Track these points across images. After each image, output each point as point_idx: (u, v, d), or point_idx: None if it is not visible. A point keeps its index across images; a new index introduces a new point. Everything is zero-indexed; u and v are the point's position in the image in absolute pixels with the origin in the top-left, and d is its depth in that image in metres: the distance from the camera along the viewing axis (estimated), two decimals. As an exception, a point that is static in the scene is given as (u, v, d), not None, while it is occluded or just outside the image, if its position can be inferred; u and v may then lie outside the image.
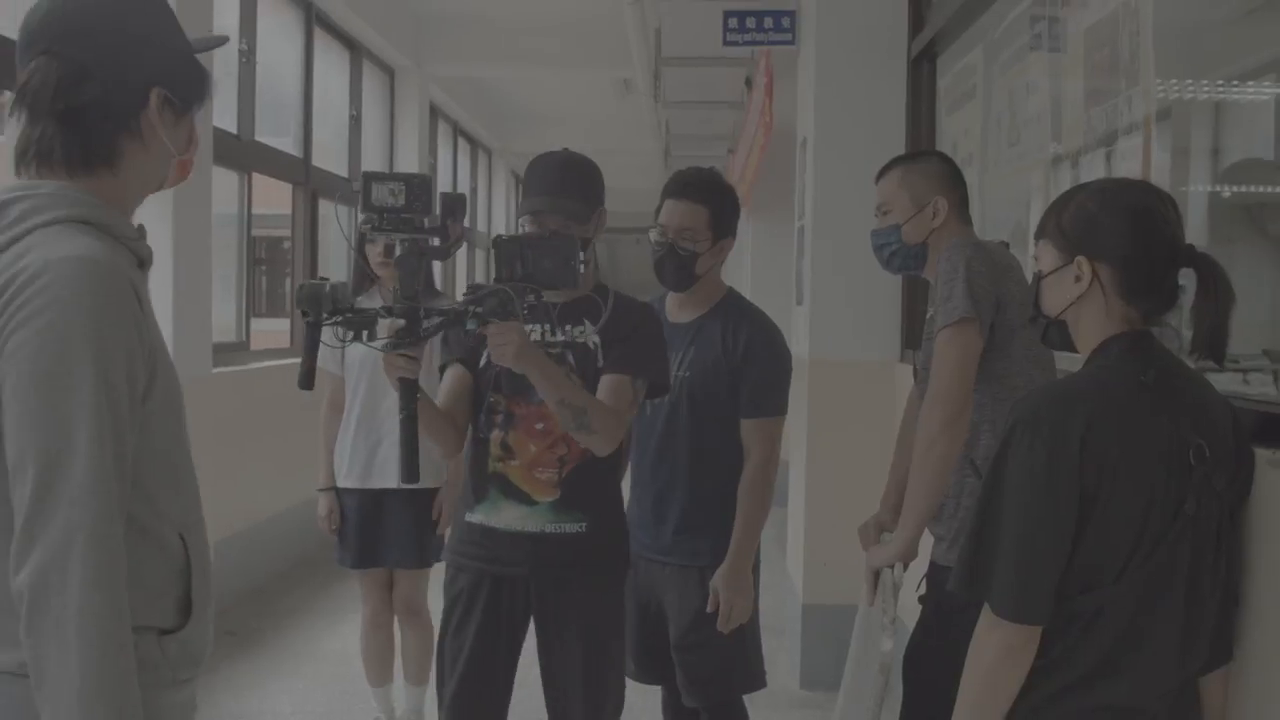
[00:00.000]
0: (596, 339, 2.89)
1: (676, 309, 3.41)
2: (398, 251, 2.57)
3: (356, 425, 4.40)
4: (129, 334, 1.56)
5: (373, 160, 10.17)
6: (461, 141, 13.92)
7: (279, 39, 8.21)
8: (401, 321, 2.58)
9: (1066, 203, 2.15)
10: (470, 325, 2.63)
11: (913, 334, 5.43)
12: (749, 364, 3.29)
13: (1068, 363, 2.66)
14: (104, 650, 1.50)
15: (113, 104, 1.66)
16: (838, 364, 5.46)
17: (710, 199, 3.31)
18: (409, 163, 10.66)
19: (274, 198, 8.39)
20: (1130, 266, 2.04)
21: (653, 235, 3.31)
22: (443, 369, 2.99)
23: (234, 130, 7.22)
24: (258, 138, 7.50)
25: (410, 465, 2.59)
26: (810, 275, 5.54)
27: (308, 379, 2.54)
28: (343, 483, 4.44)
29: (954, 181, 3.03)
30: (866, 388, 5.37)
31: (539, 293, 2.66)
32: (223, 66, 6.82)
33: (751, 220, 11.25)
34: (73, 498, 1.49)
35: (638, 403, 2.92)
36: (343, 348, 2.60)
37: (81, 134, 1.64)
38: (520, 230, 2.84)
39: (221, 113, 6.79)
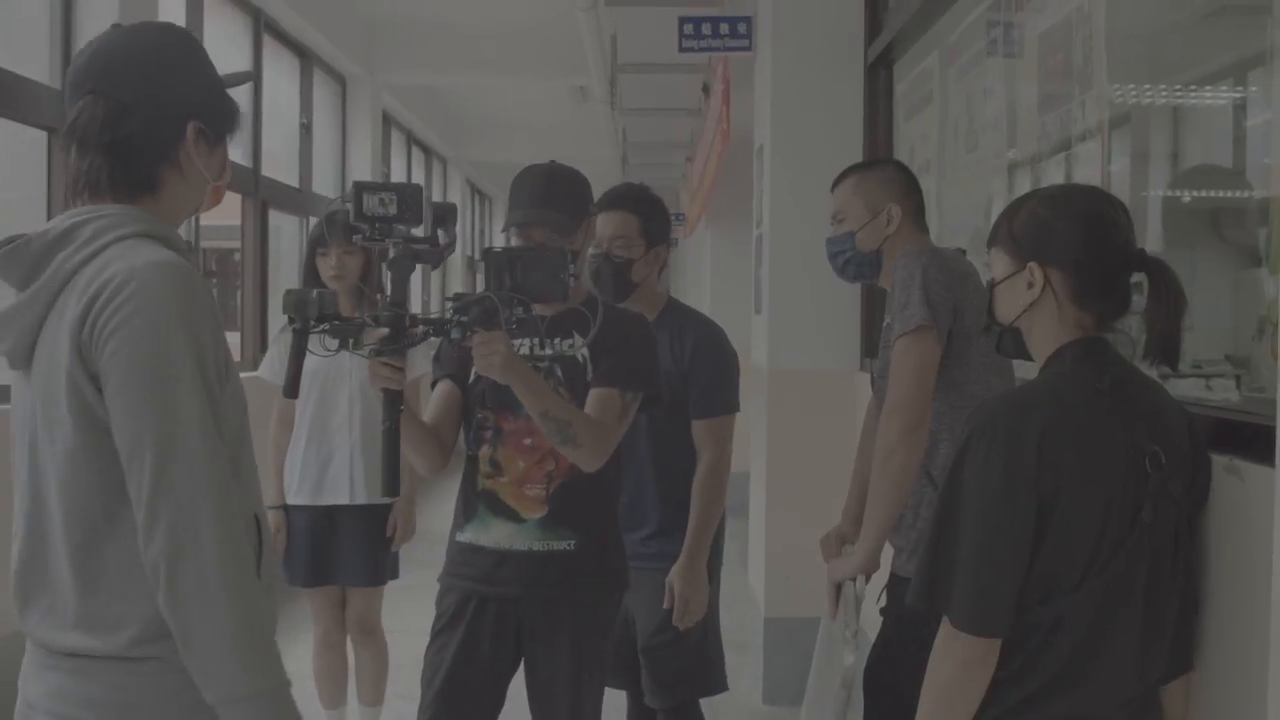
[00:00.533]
0: (585, 352, 2.90)
1: None
2: (390, 254, 2.57)
3: (307, 440, 4.37)
4: (212, 326, 1.77)
5: (323, 170, 10.12)
6: (415, 150, 13.85)
7: (226, 46, 8.15)
8: (386, 330, 2.57)
9: (1018, 210, 2.17)
10: (455, 335, 2.63)
11: (872, 343, 5.42)
12: (696, 366, 3.39)
13: (1027, 370, 2.68)
14: (248, 600, 1.71)
15: (153, 136, 1.85)
16: (797, 373, 5.47)
17: (639, 207, 3.42)
18: (361, 172, 10.61)
19: (222, 208, 8.28)
20: (1082, 271, 2.06)
21: (590, 248, 3.32)
22: (434, 385, 3.00)
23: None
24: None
25: (390, 479, 2.60)
26: (769, 283, 5.56)
27: (293, 386, 2.56)
28: (293, 499, 4.39)
29: (909, 189, 3.05)
30: (826, 397, 5.39)
31: (527, 305, 2.68)
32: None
33: (710, 228, 11.29)
34: (192, 468, 1.69)
35: (629, 416, 2.90)
36: (330, 355, 2.60)
37: (125, 164, 1.84)
38: (506, 243, 2.86)
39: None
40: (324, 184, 10.06)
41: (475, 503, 2.94)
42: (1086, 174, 3.05)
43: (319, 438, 4.36)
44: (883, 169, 3.13)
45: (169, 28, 1.95)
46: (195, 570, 1.68)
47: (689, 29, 6.31)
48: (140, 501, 1.71)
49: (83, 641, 1.77)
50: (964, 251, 3.01)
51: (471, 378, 2.93)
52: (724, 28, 6.23)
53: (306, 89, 9.69)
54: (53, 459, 1.77)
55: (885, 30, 5.16)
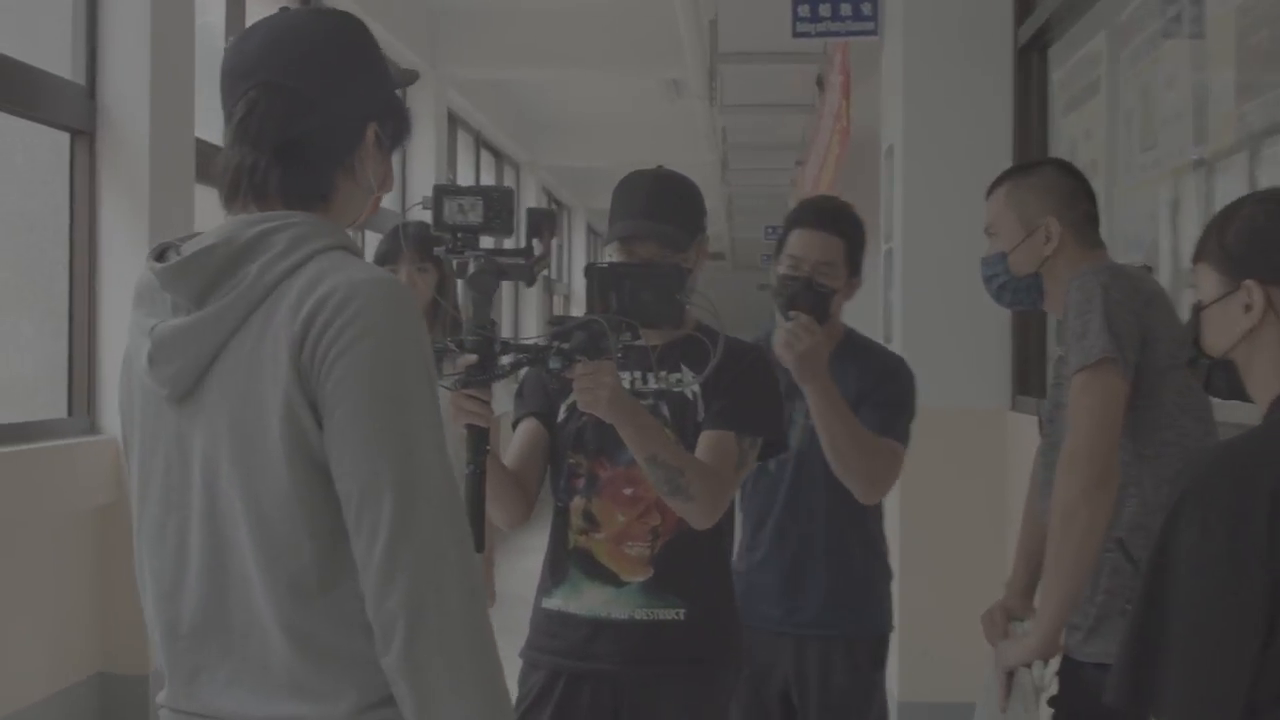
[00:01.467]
0: (696, 388, 2.83)
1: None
2: (470, 269, 2.52)
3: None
4: (431, 352, 1.79)
5: (381, 177, 10.16)
6: (485, 154, 13.92)
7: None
8: (474, 357, 2.52)
9: (1230, 217, 2.07)
10: (554, 364, 2.58)
11: (1027, 376, 5.34)
12: (879, 389, 3.37)
13: (1232, 412, 2.55)
14: (492, 663, 1.71)
15: (333, 138, 1.85)
16: (935, 412, 5.30)
17: (847, 230, 3.37)
18: (423, 179, 10.66)
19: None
20: (1316, 291, 1.95)
21: (781, 268, 3.32)
22: (515, 424, 2.97)
23: (219, 142, 7.15)
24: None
25: (475, 533, 2.52)
26: (901, 307, 5.51)
27: None
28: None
29: (1073, 197, 2.94)
30: (971, 440, 5.31)
31: (636, 330, 2.61)
32: (205, 67, 6.82)
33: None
34: (436, 513, 1.69)
35: (748, 464, 2.85)
36: None
37: (300, 168, 1.82)
38: (608, 260, 2.81)
39: (204, 120, 6.77)
40: (381, 193, 10.09)
41: (565, 563, 2.87)
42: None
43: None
44: (1041, 174, 3.01)
45: (347, 16, 1.95)
46: (438, 629, 1.67)
47: (804, 10, 6.28)
48: (372, 551, 1.69)
49: (296, 710, 1.75)
50: (1150, 269, 2.89)
51: (561, 415, 2.88)
52: (845, 9, 6.18)
53: (362, 85, 9.74)
54: (248, 504, 1.73)
55: (1039, 8, 5.08)
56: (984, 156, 5.34)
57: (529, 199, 15.75)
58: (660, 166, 2.95)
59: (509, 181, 15.14)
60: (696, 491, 2.69)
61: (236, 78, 1.86)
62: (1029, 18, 5.20)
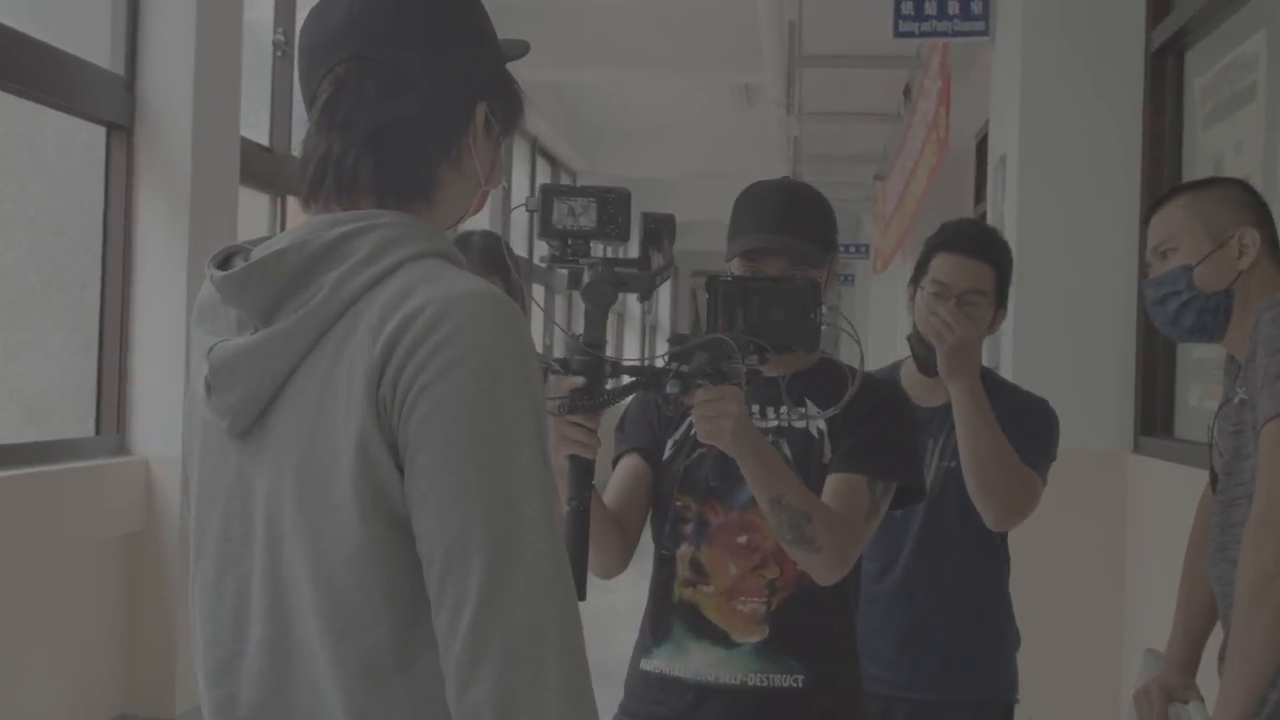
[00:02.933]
0: (823, 425, 2.68)
1: (925, 390, 3.33)
2: (585, 280, 2.36)
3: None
4: (541, 384, 1.58)
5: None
6: (541, 161, 13.82)
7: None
8: (580, 379, 2.36)
9: None
10: (671, 388, 2.42)
11: (1152, 416, 5.13)
12: (1021, 428, 3.24)
13: None
14: None
15: (436, 122, 1.67)
16: (1050, 454, 5.17)
17: (999, 260, 3.31)
18: (477, 186, 10.54)
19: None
20: None
21: (923, 296, 3.26)
22: (615, 461, 2.83)
23: (265, 143, 7.13)
24: (295, 152, 7.34)
25: (578, 579, 2.37)
26: (1010, 337, 5.33)
27: None
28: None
29: (1263, 213, 2.77)
30: (1089, 486, 5.17)
31: (765, 352, 2.48)
32: (252, 63, 6.69)
33: (909, 264, 10.96)
34: (535, 584, 1.48)
35: (880, 513, 2.68)
36: None
37: (399, 157, 1.66)
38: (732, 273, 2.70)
39: (250, 120, 6.64)
40: (433, 200, 9.98)
41: (669, 618, 2.71)
42: None
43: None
44: (1223, 188, 2.85)
45: None
46: None
47: (908, 8, 6.13)
48: (456, 628, 1.47)
49: None
50: None
51: (668, 452, 2.74)
52: (953, 7, 6.04)
53: (412, 85, 9.63)
54: (314, 565, 1.53)
55: (1178, 8, 4.92)
56: (1110, 170, 5.20)
57: (586, 210, 15.63)
58: (786, 177, 2.84)
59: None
60: (824, 542, 2.53)
61: (320, 52, 1.67)
62: (1165, 19, 5.00)
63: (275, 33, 7.18)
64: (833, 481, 2.63)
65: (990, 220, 5.86)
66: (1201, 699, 2.85)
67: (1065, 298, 5.16)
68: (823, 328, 2.55)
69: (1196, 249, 2.73)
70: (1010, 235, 5.31)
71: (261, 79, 7.07)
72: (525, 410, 1.51)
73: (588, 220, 2.31)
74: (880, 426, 2.67)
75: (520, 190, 12.77)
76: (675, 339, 2.47)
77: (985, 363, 5.32)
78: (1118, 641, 5.14)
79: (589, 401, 2.36)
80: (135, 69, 5.53)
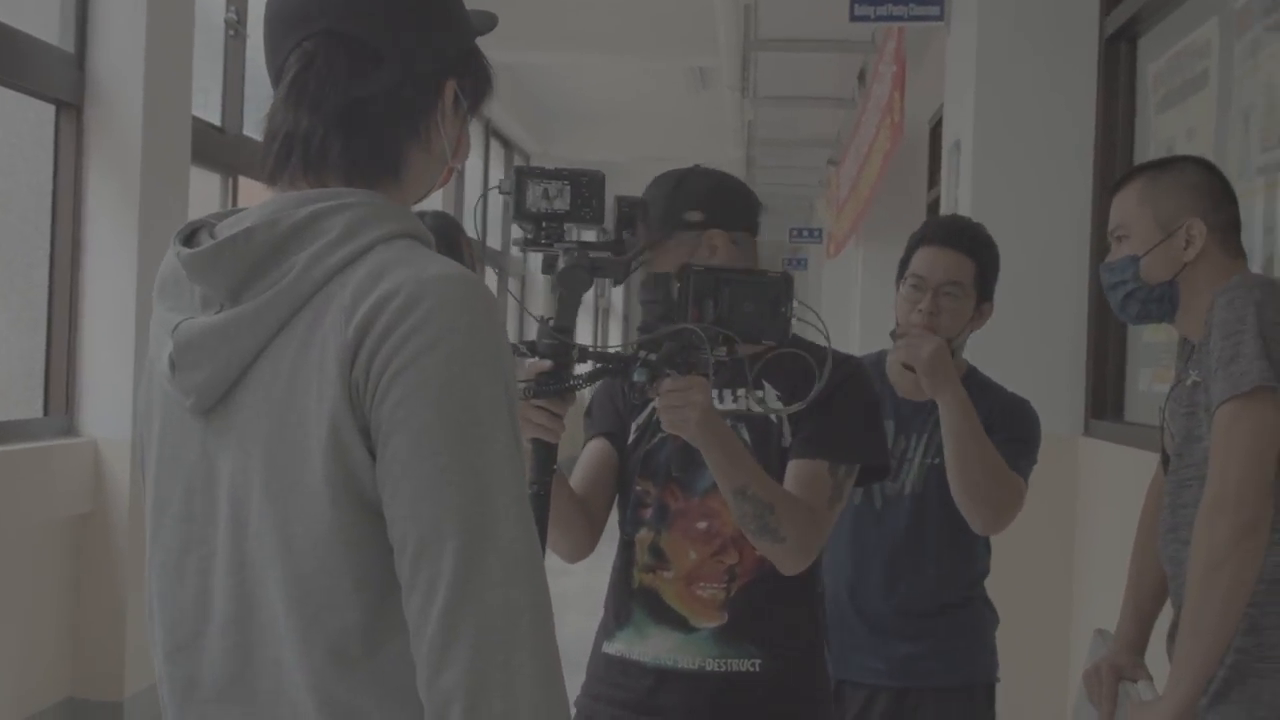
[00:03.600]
0: (780, 407, 2.66)
1: (910, 384, 3.31)
2: (560, 265, 2.35)
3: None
4: (514, 368, 1.58)
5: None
6: (494, 144, 13.77)
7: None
8: (548, 363, 2.36)
9: None
10: (638, 376, 2.42)
11: (1103, 400, 5.16)
12: (1003, 427, 3.28)
13: None
14: None
15: (406, 98, 1.66)
16: (1000, 439, 5.20)
17: (980, 252, 3.34)
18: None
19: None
20: None
21: (903, 289, 3.29)
22: (584, 445, 2.83)
23: (217, 122, 7.07)
24: (246, 132, 7.34)
25: None
26: None
27: None
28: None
29: (1219, 199, 2.78)
30: (1041, 467, 4.98)
31: (734, 344, 2.45)
32: (205, 42, 6.65)
33: (863, 248, 10.99)
34: (509, 570, 1.48)
35: (843, 498, 2.67)
36: None
37: (368, 134, 1.64)
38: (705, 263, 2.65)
39: (201, 99, 6.60)
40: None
41: (630, 603, 2.71)
42: None
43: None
44: (1181, 171, 2.83)
45: None
46: (501, 714, 1.45)
47: (865, -9, 6.09)
48: (428, 613, 1.47)
49: None
50: None
51: (632, 436, 2.73)
52: (910, -10, 5.99)
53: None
54: (282, 547, 1.52)
55: None
56: (1064, 155, 5.23)
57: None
58: (698, 165, 2.80)
59: (518, 173, 14.98)
60: (787, 532, 2.52)
61: (288, 26, 1.65)
62: (1119, 5, 5.02)
63: (228, 11, 7.12)
64: (794, 468, 2.63)
65: (944, 206, 5.88)
66: (1150, 678, 2.89)
67: (1017, 282, 5.09)
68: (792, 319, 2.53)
69: (1146, 238, 2.75)
70: (965, 220, 5.36)
71: (214, 58, 7.01)
72: (499, 396, 1.51)
73: (561, 203, 2.29)
74: (840, 408, 2.66)
75: (473, 173, 12.71)
76: (644, 327, 2.47)
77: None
78: (1067, 622, 5.18)
79: (555, 386, 2.35)
80: (85, 46, 5.47)
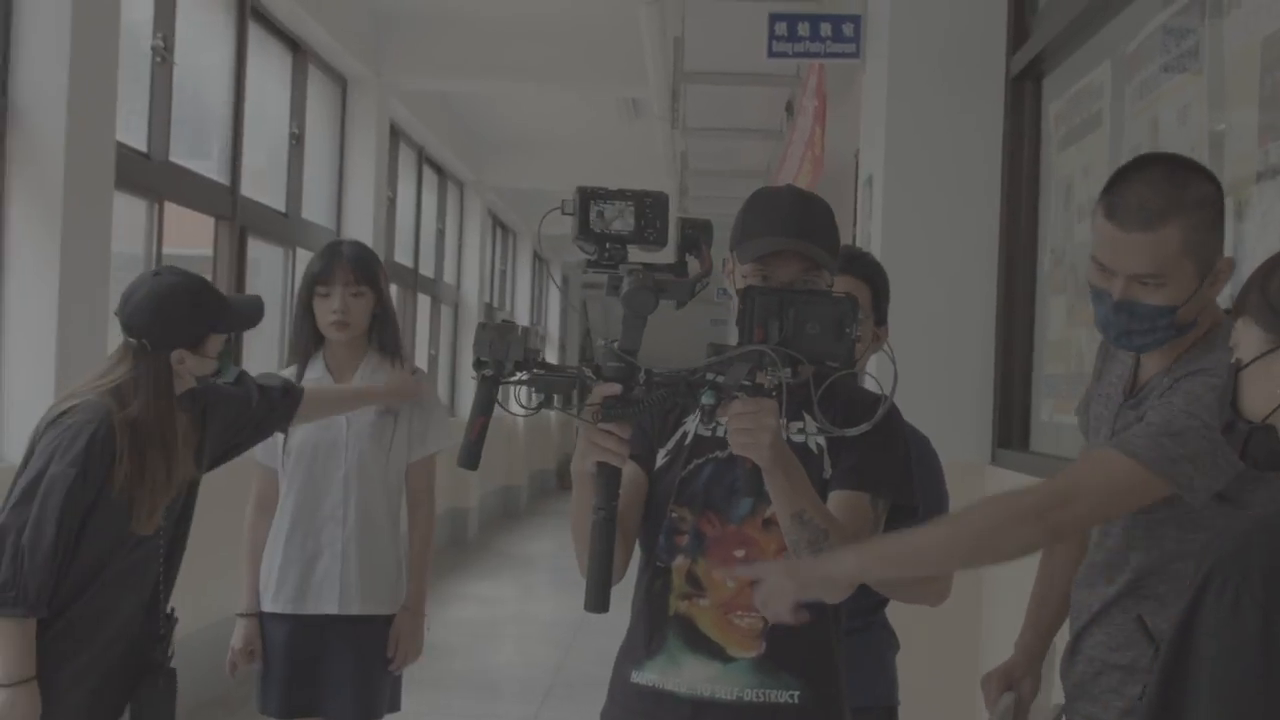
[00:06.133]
0: (823, 440, 2.66)
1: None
2: (624, 286, 2.36)
3: (289, 532, 4.19)
4: None
5: (316, 191, 10.04)
6: (428, 171, 13.82)
7: (204, 35, 8.09)
8: (616, 386, 2.38)
9: (1275, 269, 1.99)
10: (706, 399, 2.40)
11: (1009, 430, 5.29)
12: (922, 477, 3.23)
13: None
14: None
15: None
16: (911, 466, 5.30)
17: (874, 277, 3.36)
18: (363, 195, 10.53)
19: (191, 234, 8.24)
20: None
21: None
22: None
23: (143, 148, 7.07)
24: (172, 158, 7.36)
25: (600, 592, 2.42)
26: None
27: (472, 455, 2.37)
28: (269, 606, 4.21)
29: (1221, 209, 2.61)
30: (950, 494, 5.20)
31: (799, 366, 2.41)
32: (130, 67, 6.69)
33: (789, 278, 11.12)
34: None
35: (879, 531, 2.65)
36: (530, 414, 2.46)
37: None
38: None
39: (128, 125, 6.64)
40: (316, 208, 9.98)
41: (663, 631, 2.68)
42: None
43: (304, 529, 4.18)
44: (1211, 201, 2.55)
45: None
46: None
47: (781, 29, 6.25)
48: None
49: None
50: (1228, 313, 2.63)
51: (660, 461, 2.72)
52: (825, 29, 6.16)
53: (299, 92, 9.64)
54: None
55: (1035, 36, 5.06)
56: (973, 191, 5.35)
57: (473, 221, 15.65)
58: (790, 185, 2.78)
59: (452, 201, 15.03)
60: None
61: None
62: (1023, 46, 5.16)
63: (154, 38, 7.16)
64: (836, 498, 2.61)
65: (858, 239, 6.01)
66: (1038, 685, 2.99)
67: (927, 315, 5.27)
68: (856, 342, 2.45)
69: (1185, 288, 2.52)
70: (875, 254, 5.46)
71: (139, 83, 7.04)
72: None
73: (625, 225, 2.31)
74: (880, 443, 2.62)
75: (405, 200, 12.76)
76: (715, 349, 2.44)
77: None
78: (975, 646, 5.30)
79: (622, 410, 2.36)
80: (7, 71, 5.49)
